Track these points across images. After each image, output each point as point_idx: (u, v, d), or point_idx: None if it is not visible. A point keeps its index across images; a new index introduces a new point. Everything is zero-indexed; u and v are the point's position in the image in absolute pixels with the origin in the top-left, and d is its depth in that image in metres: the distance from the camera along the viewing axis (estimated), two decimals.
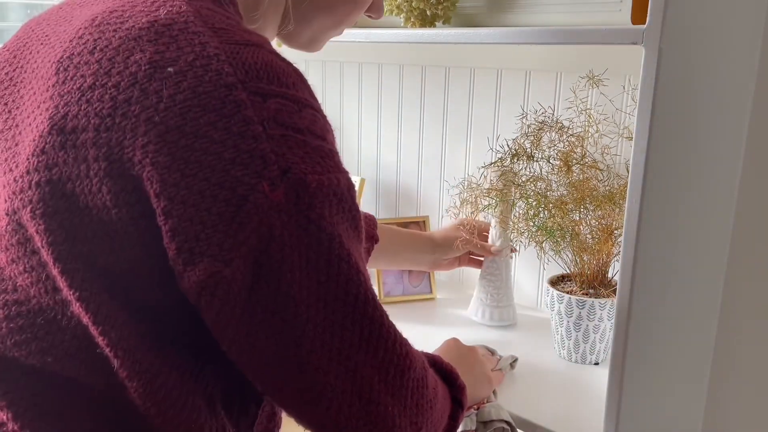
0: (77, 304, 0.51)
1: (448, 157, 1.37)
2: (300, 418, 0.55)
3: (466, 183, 1.16)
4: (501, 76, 1.26)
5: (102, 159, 0.49)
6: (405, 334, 0.58)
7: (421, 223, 1.36)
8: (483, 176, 1.18)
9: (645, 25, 0.69)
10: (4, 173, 0.54)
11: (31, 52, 0.59)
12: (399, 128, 1.46)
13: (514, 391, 0.98)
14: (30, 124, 0.53)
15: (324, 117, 0.55)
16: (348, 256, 0.52)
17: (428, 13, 0.99)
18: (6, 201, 0.53)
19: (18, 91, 0.58)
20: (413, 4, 0.99)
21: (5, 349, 0.54)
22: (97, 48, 0.52)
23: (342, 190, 0.52)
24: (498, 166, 1.11)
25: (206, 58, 0.50)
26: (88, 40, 0.53)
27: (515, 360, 1.04)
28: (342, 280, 0.52)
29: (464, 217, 1.14)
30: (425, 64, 1.38)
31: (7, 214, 0.53)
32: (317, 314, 0.51)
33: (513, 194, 1.10)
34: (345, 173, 0.54)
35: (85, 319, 0.52)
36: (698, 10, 0.75)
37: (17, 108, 0.56)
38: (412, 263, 1.22)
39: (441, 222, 1.40)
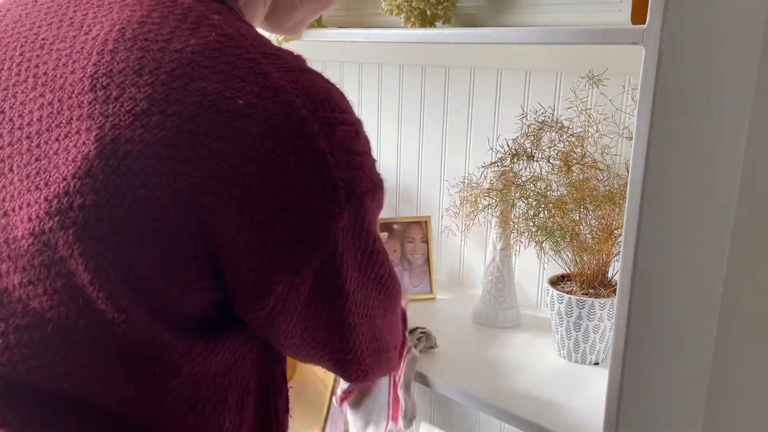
0: (123, 326, 0.51)
1: (448, 157, 1.37)
2: (332, 369, 0.67)
3: (466, 182, 1.16)
4: (501, 76, 1.26)
5: (165, 188, 0.48)
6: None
7: (423, 224, 1.36)
8: (483, 176, 1.18)
9: (645, 25, 0.69)
10: (29, 191, 0.51)
11: (18, 52, 0.55)
12: (399, 128, 1.46)
13: (514, 390, 0.98)
14: (61, 141, 0.50)
15: (365, 131, 0.58)
16: (381, 248, 0.61)
17: (428, 13, 0.99)
18: (32, 221, 0.50)
19: (5, 92, 0.54)
20: (413, 4, 0.99)
21: (18, 375, 0.53)
22: (146, 69, 0.50)
23: (383, 192, 0.58)
24: (498, 166, 1.11)
25: (273, 90, 0.50)
26: (128, 57, 0.51)
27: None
28: (377, 268, 0.61)
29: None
30: (425, 64, 1.38)
31: (32, 234, 0.50)
32: (357, 296, 0.60)
33: (513, 194, 1.10)
34: (381, 174, 0.59)
35: (133, 338, 0.51)
36: (698, 10, 0.75)
37: (16, 114, 0.53)
38: None
39: (441, 221, 1.40)
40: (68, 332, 0.52)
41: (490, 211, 1.13)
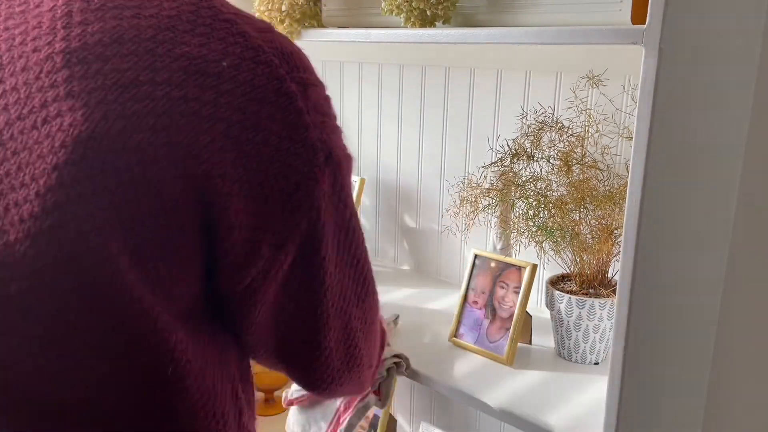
0: (135, 319, 0.48)
1: (448, 157, 1.37)
2: (296, 374, 0.63)
3: (466, 182, 1.16)
4: (501, 76, 1.26)
5: (161, 161, 0.46)
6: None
7: (520, 270, 1.09)
8: (483, 176, 1.18)
9: (645, 25, 0.69)
10: (12, 189, 0.46)
11: None
12: (399, 128, 1.46)
13: (514, 390, 0.98)
14: (39, 127, 0.46)
15: None
16: (359, 226, 0.58)
17: (428, 13, 0.99)
18: (24, 221, 0.45)
19: None
20: (413, 4, 0.99)
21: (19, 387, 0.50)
22: (125, 38, 0.47)
23: (352, 164, 0.56)
24: (498, 166, 1.11)
25: (253, 50, 0.49)
26: (102, 27, 0.48)
27: (397, 317, 1.19)
28: (353, 248, 0.58)
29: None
30: (425, 64, 1.38)
31: (27, 236, 0.45)
32: (332, 278, 0.57)
33: (513, 194, 1.10)
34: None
35: (144, 325, 0.48)
36: (698, 10, 0.75)
37: None
38: None
39: (441, 221, 1.40)
40: (78, 334, 0.48)
41: (490, 211, 1.13)
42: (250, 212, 0.49)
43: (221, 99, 0.47)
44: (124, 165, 0.45)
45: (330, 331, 0.59)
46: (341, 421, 1.10)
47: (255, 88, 0.48)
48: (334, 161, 0.52)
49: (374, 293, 0.65)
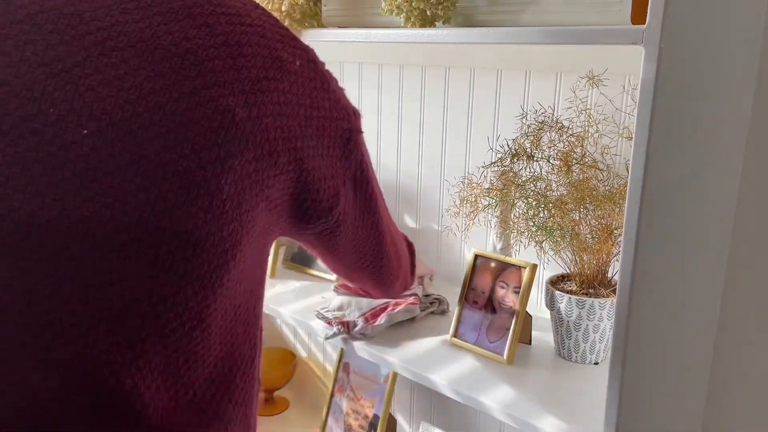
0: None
1: (448, 157, 1.37)
2: (369, 277, 0.83)
3: (466, 182, 1.16)
4: (501, 76, 1.26)
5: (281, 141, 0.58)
6: None
7: (520, 270, 1.09)
8: (483, 176, 1.18)
9: (645, 25, 0.69)
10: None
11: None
12: (399, 128, 1.46)
13: (514, 390, 0.98)
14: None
15: None
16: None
17: (428, 13, 0.99)
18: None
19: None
20: (413, 4, 0.99)
21: None
22: (218, 34, 0.56)
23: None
24: (498, 166, 1.11)
25: (307, 52, 0.63)
26: (188, 25, 0.55)
27: (432, 275, 1.37)
28: (377, 184, 0.75)
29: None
30: (425, 64, 1.38)
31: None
32: (379, 199, 0.76)
33: (513, 194, 1.10)
34: None
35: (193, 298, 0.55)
36: (698, 10, 0.75)
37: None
38: None
39: (441, 221, 1.40)
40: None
41: (490, 211, 1.13)
42: (327, 168, 0.63)
43: (283, 86, 0.58)
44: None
45: (385, 237, 0.79)
46: (387, 310, 1.20)
47: (301, 67, 0.60)
48: (357, 117, 0.68)
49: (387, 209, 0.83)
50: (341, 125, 0.64)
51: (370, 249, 0.78)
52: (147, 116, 0.51)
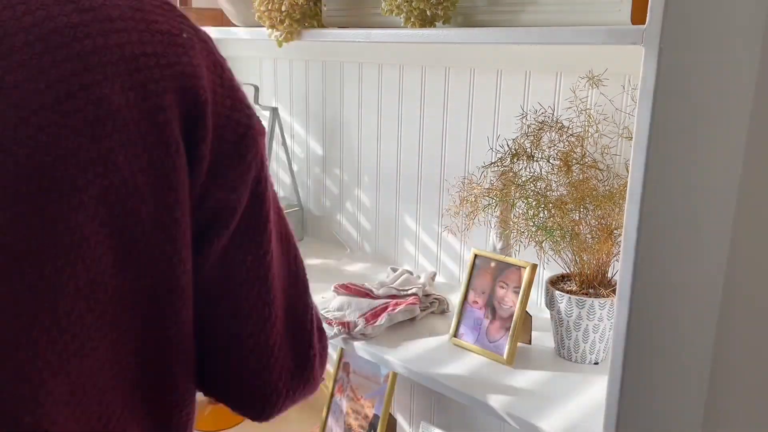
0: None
1: (448, 157, 1.37)
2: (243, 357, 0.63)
3: (466, 182, 1.16)
4: (501, 76, 1.26)
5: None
6: None
7: (520, 270, 1.09)
8: (483, 176, 1.18)
9: (645, 25, 0.69)
10: None
11: None
12: (399, 128, 1.46)
13: (514, 390, 0.98)
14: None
15: None
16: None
17: (428, 13, 0.99)
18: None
19: None
20: (413, 4, 0.99)
21: None
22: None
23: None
24: (498, 166, 1.11)
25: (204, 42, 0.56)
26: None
27: (434, 274, 1.37)
28: (282, 213, 0.63)
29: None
30: (425, 64, 1.38)
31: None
32: (273, 234, 0.60)
33: (513, 194, 1.10)
34: None
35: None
36: (698, 10, 0.75)
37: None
38: None
39: (441, 221, 1.40)
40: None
41: (490, 211, 1.13)
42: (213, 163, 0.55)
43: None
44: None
45: (274, 298, 0.60)
46: (387, 310, 1.18)
47: (204, 57, 0.54)
48: (258, 119, 0.59)
49: (301, 259, 0.66)
50: (237, 118, 0.57)
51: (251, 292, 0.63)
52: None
